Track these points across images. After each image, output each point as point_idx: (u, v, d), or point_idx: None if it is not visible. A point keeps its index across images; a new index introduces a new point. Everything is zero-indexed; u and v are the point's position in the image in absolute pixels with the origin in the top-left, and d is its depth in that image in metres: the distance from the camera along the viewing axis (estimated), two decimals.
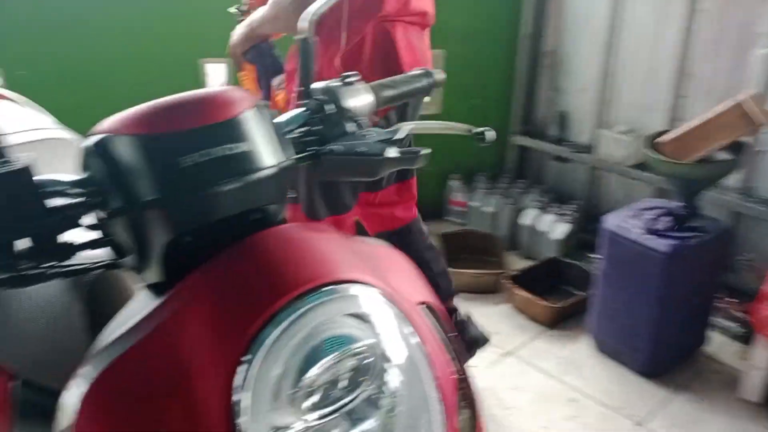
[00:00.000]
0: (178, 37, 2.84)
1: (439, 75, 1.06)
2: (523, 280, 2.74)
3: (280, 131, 0.79)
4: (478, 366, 2.40)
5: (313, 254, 0.73)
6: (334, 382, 0.70)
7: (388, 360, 0.73)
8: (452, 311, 2.15)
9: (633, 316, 2.30)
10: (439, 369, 0.79)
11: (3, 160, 0.68)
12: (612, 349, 2.44)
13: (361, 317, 0.72)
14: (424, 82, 1.04)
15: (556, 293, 2.77)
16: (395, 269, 0.84)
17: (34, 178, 0.69)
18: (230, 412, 0.65)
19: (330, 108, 0.87)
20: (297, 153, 0.82)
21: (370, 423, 0.72)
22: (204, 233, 0.73)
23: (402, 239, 1.94)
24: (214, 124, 0.72)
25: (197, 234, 0.73)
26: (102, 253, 0.79)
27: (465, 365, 0.88)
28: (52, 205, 0.71)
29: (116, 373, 0.67)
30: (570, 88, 3.14)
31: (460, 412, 0.84)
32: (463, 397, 0.85)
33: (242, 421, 0.64)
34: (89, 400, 0.67)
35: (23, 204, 0.69)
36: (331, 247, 0.76)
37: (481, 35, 3.17)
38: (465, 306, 2.69)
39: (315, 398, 0.68)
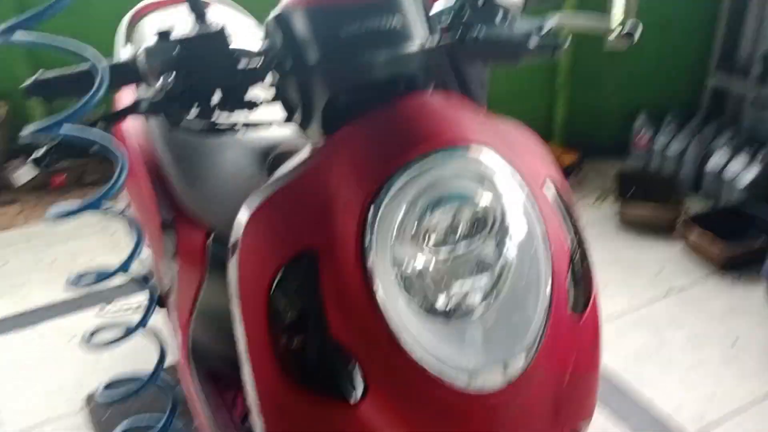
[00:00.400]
0: None
1: None
2: (701, 221, 2.64)
3: (431, 15, 0.89)
4: (637, 299, 2.39)
5: (448, 119, 0.83)
6: (453, 229, 0.81)
7: (505, 221, 0.83)
8: None
9: None
10: (554, 242, 0.87)
11: (204, 23, 0.85)
12: None
13: (484, 179, 0.82)
14: None
15: (736, 239, 2.63)
16: (524, 145, 0.92)
17: (229, 41, 0.85)
18: (360, 241, 0.78)
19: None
20: (446, 36, 0.92)
21: (481, 278, 0.83)
22: (357, 95, 0.86)
23: None
24: (372, 2, 0.83)
25: (351, 95, 0.86)
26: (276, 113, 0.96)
27: (583, 243, 0.94)
28: (241, 66, 0.87)
29: (276, 199, 0.83)
30: None
31: (571, 287, 0.90)
32: (576, 273, 0.91)
33: (370, 245, 0.77)
34: (253, 218, 0.84)
35: (219, 61, 0.85)
36: (465, 115, 0.86)
37: None
38: (635, 244, 2.68)
39: (433, 238, 0.80)
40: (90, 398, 2.00)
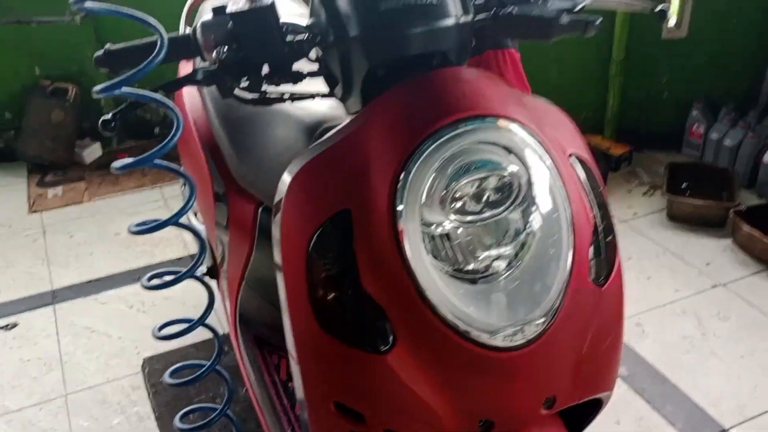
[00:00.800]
0: None
1: None
2: (752, 216, 2.60)
3: None
4: (682, 291, 2.39)
5: (478, 91, 0.88)
6: (479, 196, 0.86)
7: (531, 192, 0.87)
8: None
9: None
10: (578, 215, 0.91)
11: (255, 1, 0.92)
12: None
13: (512, 150, 0.87)
14: None
15: None
16: (553, 121, 0.96)
17: (279, 16, 0.92)
18: (392, 204, 0.84)
19: None
20: (480, 13, 0.97)
21: (506, 248, 0.88)
22: (394, 68, 0.92)
23: None
24: None
25: (389, 68, 0.92)
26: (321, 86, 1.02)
27: (607, 217, 0.97)
28: (288, 39, 0.94)
29: (315, 163, 0.90)
30: None
31: (594, 259, 0.94)
32: (599, 246, 0.95)
33: (400, 208, 0.83)
34: (295, 180, 0.90)
35: (268, 34, 0.92)
36: (495, 88, 0.91)
37: None
38: (683, 237, 2.67)
39: (460, 204, 0.85)
40: (147, 361, 2.13)
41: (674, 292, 2.40)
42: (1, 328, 2.31)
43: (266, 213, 1.49)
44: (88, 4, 0.77)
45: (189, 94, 1.73)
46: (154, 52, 0.84)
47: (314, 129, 1.33)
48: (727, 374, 2.04)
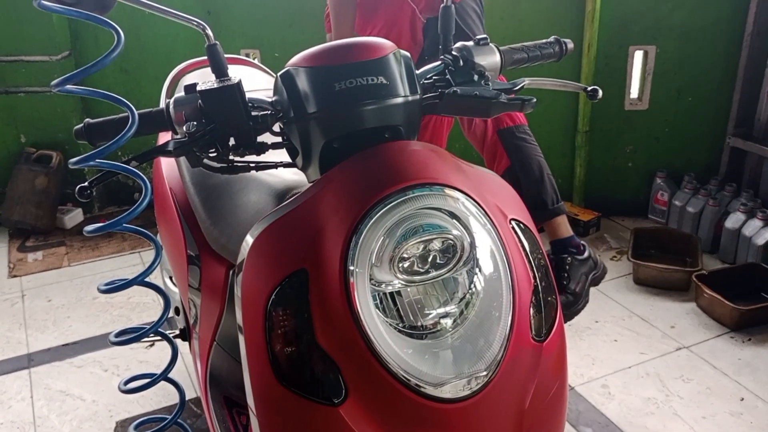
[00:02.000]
0: None
1: (570, 44, 1.23)
2: (714, 281, 2.69)
3: (415, 74, 1.04)
4: (647, 353, 2.45)
5: (425, 161, 0.97)
6: (425, 257, 0.94)
7: (474, 254, 0.95)
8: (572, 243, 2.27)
9: None
10: (518, 275, 0.99)
11: (224, 78, 1.01)
12: None
13: (455, 215, 0.95)
14: (555, 49, 1.22)
15: (751, 299, 2.67)
16: (494, 188, 1.05)
17: (244, 94, 1.01)
18: (344, 264, 0.91)
19: (461, 62, 1.10)
20: (427, 92, 1.07)
21: (451, 307, 0.95)
22: (349, 141, 1.01)
23: (523, 134, 2.21)
24: (361, 62, 0.99)
25: (344, 141, 1.01)
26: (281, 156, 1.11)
27: (547, 277, 1.05)
28: (254, 114, 1.03)
29: (275, 226, 0.97)
30: None
31: (534, 316, 1.01)
32: (538, 305, 1.02)
33: (352, 268, 0.90)
34: (256, 242, 0.98)
35: (234, 111, 1.01)
36: (440, 160, 1.00)
37: (698, 33, 3.12)
38: (649, 300, 2.75)
39: (408, 264, 0.93)
40: (119, 424, 2.14)
41: (639, 354, 2.46)
42: None
43: (234, 274, 1.55)
44: (69, 87, 0.85)
45: (167, 162, 1.81)
46: (126, 128, 0.93)
47: (283, 195, 1.40)
48: None
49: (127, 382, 1.18)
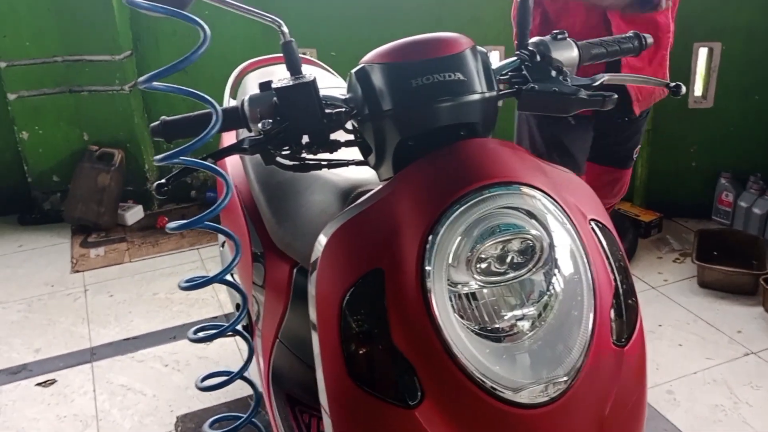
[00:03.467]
0: (464, 27, 3.18)
1: (650, 39, 1.19)
2: None
3: (492, 71, 1.02)
4: (714, 359, 2.38)
5: (502, 160, 0.95)
6: (503, 258, 0.91)
7: (553, 255, 0.93)
8: None
9: None
10: (598, 277, 0.96)
11: (298, 75, 1.01)
12: None
13: (534, 215, 0.93)
14: (635, 43, 1.18)
15: None
16: (573, 188, 1.02)
17: (319, 91, 1.01)
18: (420, 265, 0.90)
19: (538, 57, 1.08)
20: (505, 89, 1.05)
21: (529, 309, 0.93)
22: (424, 139, 0.99)
23: None
24: (438, 58, 0.97)
25: (419, 139, 0.99)
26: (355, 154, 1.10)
27: (627, 280, 1.02)
28: (327, 112, 1.02)
29: (350, 225, 0.96)
30: None
31: (615, 320, 0.98)
32: (619, 308, 0.99)
33: (428, 268, 0.89)
34: (330, 241, 0.97)
35: (308, 108, 1.00)
36: (517, 158, 0.97)
37: (766, 33, 3.01)
38: (714, 304, 2.66)
39: (485, 265, 0.90)
40: (180, 419, 2.17)
41: (705, 360, 2.38)
42: (40, 384, 2.38)
43: (301, 274, 1.55)
44: (155, 84, 0.86)
45: (231, 159, 1.83)
46: (210, 124, 0.93)
47: (348, 194, 1.40)
48: None
49: (203, 379, 1.19)
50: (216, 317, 2.73)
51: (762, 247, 2.89)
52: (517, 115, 2.27)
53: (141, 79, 0.88)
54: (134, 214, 3.54)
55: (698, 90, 3.15)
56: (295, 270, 1.57)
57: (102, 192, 3.38)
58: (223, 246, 2.18)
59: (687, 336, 2.52)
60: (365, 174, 1.39)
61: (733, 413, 2.13)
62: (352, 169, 1.45)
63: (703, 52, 3.10)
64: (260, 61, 2.08)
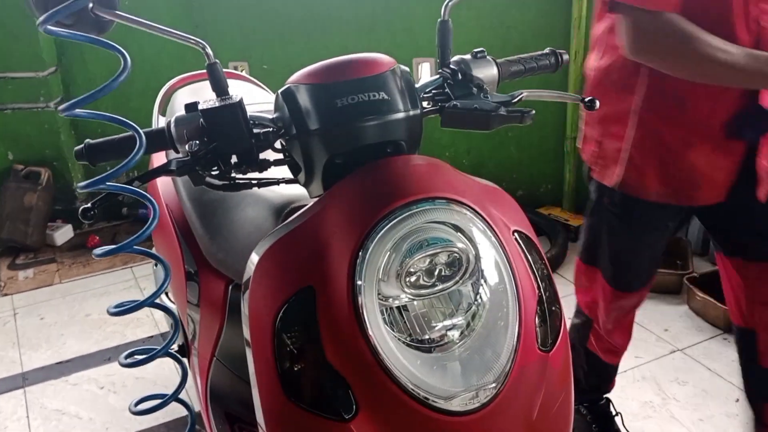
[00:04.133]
0: (396, 38, 3.22)
1: (566, 56, 1.24)
2: (706, 283, 2.72)
3: (415, 89, 1.05)
4: (642, 357, 2.47)
5: (428, 175, 0.98)
6: (431, 271, 0.94)
7: (479, 266, 0.96)
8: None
9: None
10: (522, 286, 0.99)
11: (225, 96, 1.01)
12: None
13: (460, 228, 0.96)
14: (551, 60, 1.23)
15: None
16: (496, 200, 1.06)
17: (246, 111, 1.01)
18: (351, 280, 0.91)
19: (459, 75, 1.11)
20: (428, 107, 1.08)
21: (458, 319, 0.96)
22: (351, 157, 1.01)
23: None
24: (362, 78, 0.99)
25: (346, 157, 1.01)
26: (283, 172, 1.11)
27: (550, 288, 1.06)
28: (255, 131, 1.03)
29: (280, 244, 0.97)
30: None
31: (539, 327, 1.02)
32: (543, 314, 1.03)
33: (359, 283, 0.91)
34: (262, 260, 0.98)
35: (237, 128, 1.01)
36: (443, 173, 1.00)
37: None
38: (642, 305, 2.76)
39: (414, 278, 0.93)
40: None
41: (635, 358, 2.48)
42: None
43: (237, 290, 1.55)
44: (77, 111, 0.85)
45: (162, 178, 1.81)
46: (135, 149, 0.92)
47: (281, 209, 1.41)
48: None
49: (137, 404, 1.17)
50: (152, 336, 2.68)
51: (685, 249, 3.02)
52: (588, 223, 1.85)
53: (62, 107, 0.87)
54: (64, 233, 3.45)
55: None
56: (230, 287, 1.56)
57: (29, 211, 3.29)
58: (156, 265, 2.15)
59: None
60: (297, 189, 1.41)
61: (661, 409, 2.22)
62: (283, 186, 1.46)
63: None
64: (190, 77, 2.06)
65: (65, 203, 3.51)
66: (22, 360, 2.57)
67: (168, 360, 2.52)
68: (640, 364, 2.44)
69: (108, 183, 0.88)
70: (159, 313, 2.82)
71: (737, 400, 2.23)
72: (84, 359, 2.57)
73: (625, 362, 2.42)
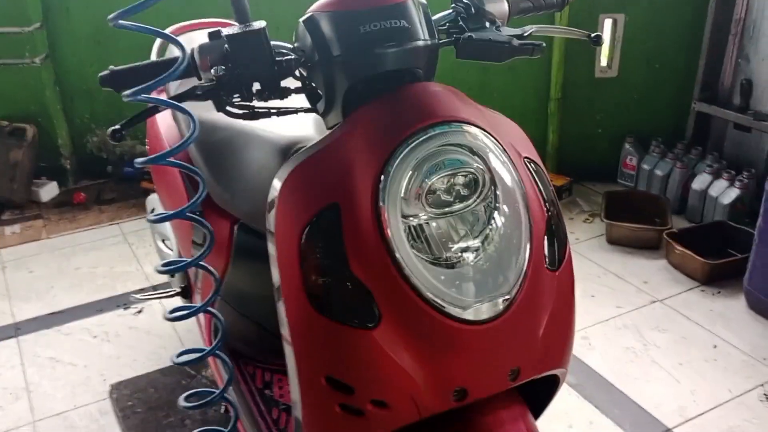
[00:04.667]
0: None
1: None
2: (684, 238, 2.82)
3: (432, 20, 1.09)
4: (624, 307, 2.56)
5: (446, 101, 1.02)
6: (449, 191, 0.99)
7: (493, 188, 1.01)
8: None
9: None
10: (533, 208, 1.05)
11: (247, 24, 1.04)
12: (765, 306, 2.47)
13: (476, 151, 1.01)
14: None
15: (718, 254, 2.80)
16: (508, 129, 1.11)
17: (267, 40, 1.04)
18: (374, 202, 0.96)
19: (472, 10, 1.16)
20: (443, 38, 1.12)
21: (474, 241, 1.01)
22: (370, 85, 1.05)
23: None
24: (384, 6, 1.03)
25: (367, 84, 1.05)
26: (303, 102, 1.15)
27: (557, 211, 1.11)
28: (277, 59, 1.06)
29: (305, 166, 1.01)
30: (757, 56, 3.12)
31: (547, 247, 1.07)
32: (551, 235, 1.09)
33: (382, 206, 0.95)
34: (287, 181, 1.02)
35: (259, 55, 1.04)
36: (459, 100, 1.05)
37: (666, 1, 3.23)
38: (622, 258, 2.86)
39: (433, 198, 0.98)
40: (114, 387, 2.16)
41: (616, 308, 2.57)
42: None
43: (242, 230, 1.59)
44: (122, 22, 0.88)
45: (164, 122, 1.83)
46: (175, 66, 0.95)
47: (287, 150, 1.44)
48: (667, 380, 2.20)
49: (179, 355, 1.21)
50: (143, 289, 2.70)
51: (664, 206, 3.12)
52: None
53: (111, 16, 0.89)
54: (49, 190, 3.44)
55: (604, 60, 3.34)
56: (235, 227, 1.60)
57: (14, 168, 3.27)
58: (152, 212, 2.18)
59: (599, 288, 2.70)
60: (302, 131, 1.44)
61: (643, 354, 2.32)
62: (288, 127, 1.49)
63: (608, 24, 3.28)
64: (183, 27, 2.07)
65: (50, 160, 3.49)
66: (13, 311, 2.58)
67: (158, 309, 2.57)
68: (622, 313, 2.54)
69: (148, 96, 0.91)
70: (149, 267, 2.85)
71: (715, 346, 2.34)
72: (75, 310, 2.59)
73: (607, 311, 2.53)
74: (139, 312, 2.56)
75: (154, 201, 2.16)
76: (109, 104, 3.41)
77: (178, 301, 2.49)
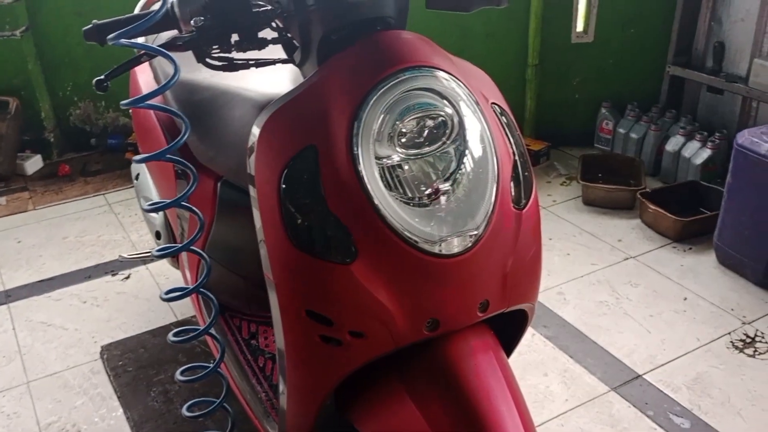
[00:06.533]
0: None
1: None
2: (657, 198, 2.90)
3: None
4: (598, 264, 2.65)
5: (416, 48, 1.08)
6: (420, 134, 1.05)
7: (462, 130, 1.07)
8: None
9: (757, 228, 2.43)
10: (499, 151, 1.11)
11: None
12: (734, 260, 2.56)
13: (444, 96, 1.07)
14: None
15: (691, 213, 2.89)
16: (477, 76, 1.17)
17: None
18: (349, 143, 1.02)
19: None
20: None
21: (445, 180, 1.07)
22: (344, 35, 1.11)
23: None
24: None
25: (340, 33, 1.11)
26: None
27: (523, 153, 1.18)
28: (255, 10, 1.11)
29: (281, 112, 1.07)
30: (729, 18, 3.19)
31: (514, 187, 1.14)
32: (517, 177, 1.15)
33: (356, 147, 1.01)
34: (266, 125, 1.08)
35: (237, 6, 1.09)
36: (429, 47, 1.10)
37: None
38: (597, 219, 2.94)
39: (405, 140, 1.04)
40: (105, 348, 2.23)
41: (591, 265, 2.65)
42: None
43: (225, 186, 1.65)
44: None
45: (146, 83, 1.87)
46: (155, 12, 1.00)
47: (266, 106, 1.50)
48: (638, 331, 2.29)
49: (167, 293, 1.32)
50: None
51: (638, 167, 3.19)
52: None
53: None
54: (33, 163, 3.46)
55: (580, 25, 3.39)
56: (219, 183, 1.66)
57: None
58: (137, 179, 2.22)
59: (574, 246, 2.78)
60: (281, 88, 1.49)
61: (615, 307, 2.41)
62: (268, 85, 1.54)
63: None
64: None
65: (34, 133, 3.51)
66: (3, 280, 2.63)
67: (146, 274, 2.62)
68: (596, 270, 2.62)
69: (134, 41, 0.96)
70: (136, 235, 2.90)
71: (685, 299, 2.43)
72: (64, 277, 2.64)
73: (581, 269, 2.61)
74: (127, 278, 2.62)
75: (138, 166, 2.21)
76: (92, 76, 3.41)
77: (164, 265, 2.56)
